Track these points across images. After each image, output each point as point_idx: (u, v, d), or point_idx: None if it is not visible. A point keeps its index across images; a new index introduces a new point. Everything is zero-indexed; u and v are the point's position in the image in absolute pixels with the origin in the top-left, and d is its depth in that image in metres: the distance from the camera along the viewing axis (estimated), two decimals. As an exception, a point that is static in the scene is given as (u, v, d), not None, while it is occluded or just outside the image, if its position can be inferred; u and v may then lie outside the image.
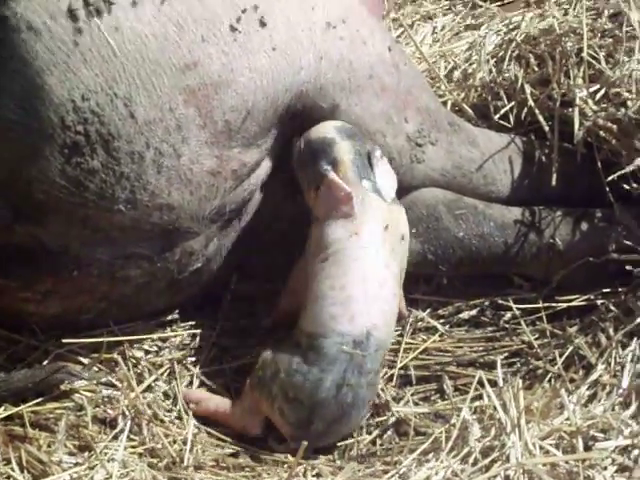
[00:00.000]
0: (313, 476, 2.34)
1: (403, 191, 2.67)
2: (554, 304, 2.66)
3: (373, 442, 2.47)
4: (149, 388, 2.55)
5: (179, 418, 2.50)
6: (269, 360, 2.44)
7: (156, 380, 2.56)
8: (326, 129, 2.53)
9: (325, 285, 2.43)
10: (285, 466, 2.36)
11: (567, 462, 2.17)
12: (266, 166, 2.57)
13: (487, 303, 2.75)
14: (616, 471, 2.18)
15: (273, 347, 2.47)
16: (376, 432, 2.48)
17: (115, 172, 2.34)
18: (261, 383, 2.43)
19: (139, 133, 2.33)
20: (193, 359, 2.63)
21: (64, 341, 2.52)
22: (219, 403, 2.50)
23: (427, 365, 2.64)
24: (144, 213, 2.40)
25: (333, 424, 2.38)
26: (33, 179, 2.30)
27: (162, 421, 2.45)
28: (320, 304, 2.42)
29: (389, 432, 2.49)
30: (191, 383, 2.59)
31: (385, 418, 2.51)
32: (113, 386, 2.52)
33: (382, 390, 2.55)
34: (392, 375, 2.60)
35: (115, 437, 2.38)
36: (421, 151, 2.66)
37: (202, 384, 2.59)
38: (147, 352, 2.62)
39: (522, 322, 2.68)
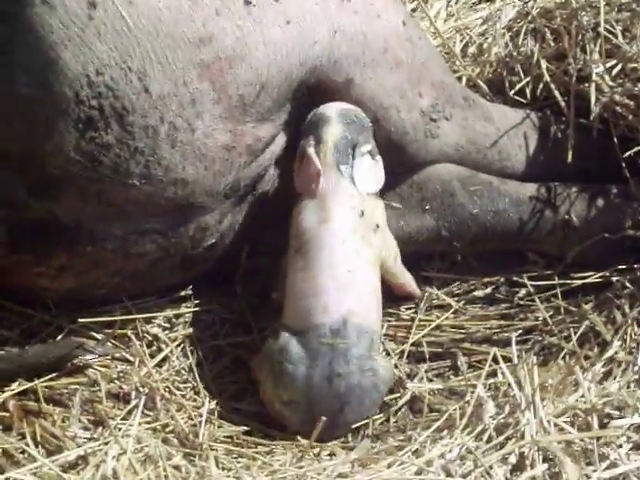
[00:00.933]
0: (327, 455, 2.34)
1: (417, 167, 2.67)
2: (569, 281, 2.65)
3: (387, 419, 2.47)
4: (163, 363, 2.55)
5: (194, 394, 2.50)
6: (259, 362, 2.45)
7: (170, 356, 2.56)
8: (330, 108, 2.54)
9: (297, 278, 2.44)
10: (299, 447, 2.35)
11: (582, 440, 2.17)
12: (280, 141, 2.56)
13: (502, 280, 2.74)
14: (631, 449, 2.17)
15: (262, 349, 2.47)
16: (390, 410, 2.47)
17: (129, 147, 2.34)
18: (260, 387, 2.44)
19: (153, 107, 2.32)
20: (207, 335, 2.63)
21: (79, 321, 2.51)
22: None
23: (441, 342, 2.63)
24: (158, 188, 2.40)
25: (338, 416, 2.36)
26: (48, 154, 2.30)
27: (176, 397, 2.44)
28: (295, 298, 2.44)
29: (403, 409, 2.48)
30: (205, 358, 2.58)
31: (399, 395, 2.50)
32: (127, 361, 2.52)
33: (396, 367, 2.55)
34: (403, 351, 2.60)
35: (129, 412, 2.38)
36: (435, 126, 2.64)
37: (215, 360, 2.59)
38: (161, 328, 2.62)
39: (537, 299, 2.66)
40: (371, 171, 2.54)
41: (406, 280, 2.63)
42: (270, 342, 2.44)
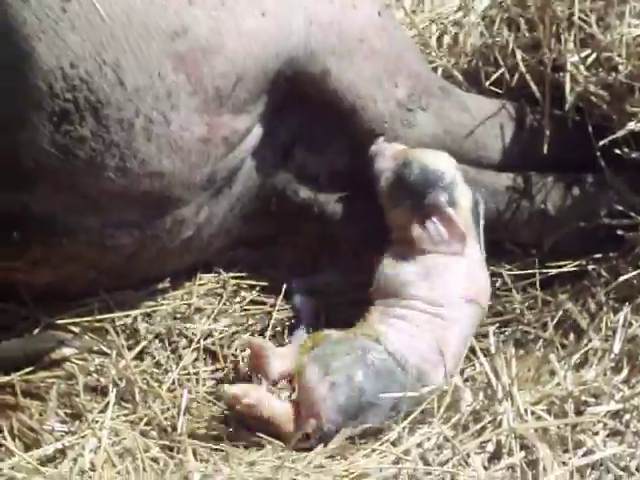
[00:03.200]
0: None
1: (394, 158, 2.67)
2: (545, 270, 2.66)
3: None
4: (141, 356, 2.55)
5: (172, 386, 2.50)
6: (337, 339, 2.38)
7: (148, 348, 2.56)
8: (445, 163, 2.51)
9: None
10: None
11: (558, 427, 2.18)
12: (257, 133, 2.56)
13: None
14: (607, 435, 2.19)
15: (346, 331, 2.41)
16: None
17: (104, 140, 2.33)
18: (318, 357, 2.34)
19: (128, 100, 2.32)
20: (185, 327, 2.63)
21: (57, 315, 2.51)
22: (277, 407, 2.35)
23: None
24: (134, 181, 2.39)
25: (364, 425, 2.29)
26: (22, 146, 2.29)
27: (154, 389, 2.44)
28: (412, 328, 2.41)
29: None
30: (184, 351, 2.58)
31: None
32: (104, 354, 2.51)
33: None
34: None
35: (107, 405, 2.37)
36: (412, 116, 2.64)
37: (194, 352, 2.59)
38: (139, 320, 2.61)
39: (513, 288, 2.67)
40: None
41: None
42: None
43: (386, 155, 2.55)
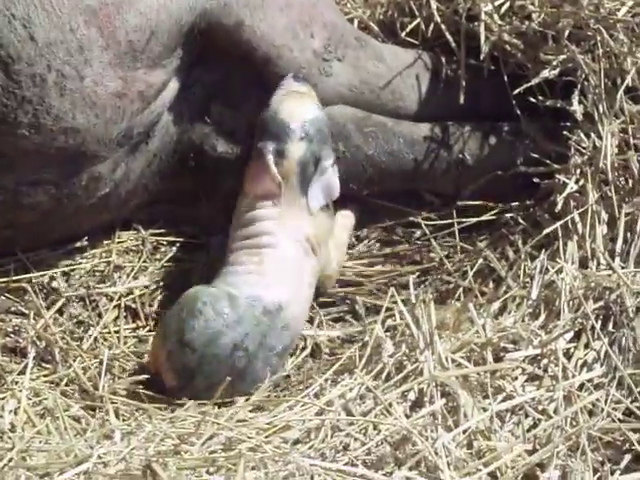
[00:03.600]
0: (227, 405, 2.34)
1: (312, 109, 2.66)
2: (464, 219, 2.68)
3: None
4: (60, 316, 2.52)
5: (93, 345, 2.48)
6: (185, 295, 2.41)
7: (67, 308, 2.53)
8: (294, 119, 2.51)
9: (242, 255, 2.46)
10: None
11: (478, 374, 2.20)
12: (173, 87, 2.54)
13: (397, 221, 2.76)
14: (526, 380, 2.21)
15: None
16: (290, 357, 2.48)
17: (17, 96, 2.30)
18: (164, 318, 2.42)
19: (40, 55, 2.29)
20: (105, 285, 2.60)
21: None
22: None
23: (339, 286, 2.65)
24: (48, 137, 2.36)
25: (215, 384, 2.28)
26: None
27: (74, 348, 2.42)
28: (236, 267, 2.45)
29: (302, 355, 2.49)
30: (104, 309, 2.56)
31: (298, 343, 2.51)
32: (22, 315, 2.48)
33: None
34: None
35: (26, 366, 2.34)
36: (328, 66, 2.64)
37: (114, 310, 2.57)
38: (57, 280, 2.58)
39: (432, 239, 2.69)
40: (329, 184, 2.53)
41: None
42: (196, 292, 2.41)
43: (278, 93, 2.55)
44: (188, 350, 2.33)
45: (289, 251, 2.46)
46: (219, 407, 2.28)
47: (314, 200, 2.50)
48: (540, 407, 2.14)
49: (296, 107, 2.53)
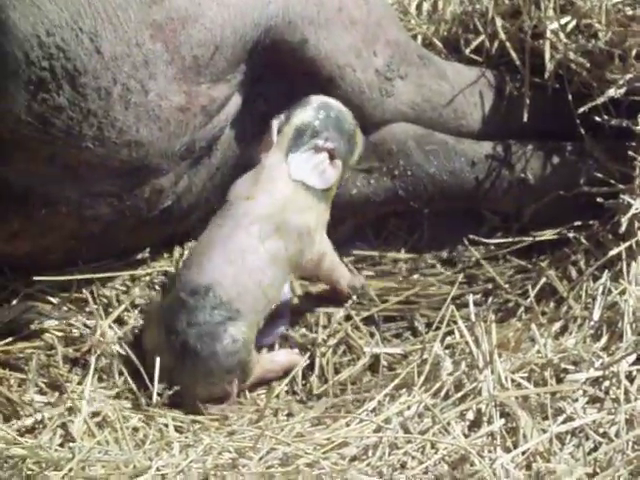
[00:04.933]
0: (285, 415, 2.34)
1: (374, 126, 2.66)
2: (526, 238, 2.66)
3: (344, 382, 2.47)
4: (120, 326, 2.53)
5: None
6: None
7: (127, 318, 2.55)
8: (316, 97, 2.54)
9: (202, 235, 2.48)
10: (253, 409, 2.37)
11: (538, 394, 2.18)
12: (236, 102, 2.55)
13: (458, 239, 2.74)
14: (587, 402, 2.19)
15: None
16: (347, 371, 2.48)
17: (82, 109, 2.32)
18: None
19: (105, 69, 2.31)
20: (164, 297, 2.62)
21: (35, 278, 2.49)
22: None
23: (399, 303, 2.64)
24: (112, 150, 2.38)
25: (172, 373, 2.34)
26: (-2, 116, 2.28)
27: (132, 360, 2.43)
28: (191, 251, 2.51)
29: (361, 369, 2.49)
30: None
31: (356, 356, 2.51)
32: (84, 325, 2.50)
33: (357, 329, 2.56)
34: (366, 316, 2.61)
35: (86, 376, 2.36)
36: (390, 85, 2.64)
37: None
38: (117, 290, 2.60)
39: (494, 257, 2.68)
40: (319, 167, 2.50)
41: (338, 281, 2.61)
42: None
43: None
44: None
45: (223, 231, 2.45)
46: (276, 418, 2.30)
47: (296, 170, 2.48)
48: (601, 430, 2.12)
49: (324, 96, 2.55)
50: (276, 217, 2.45)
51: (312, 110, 2.52)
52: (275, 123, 2.51)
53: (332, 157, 2.51)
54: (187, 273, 2.42)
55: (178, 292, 2.39)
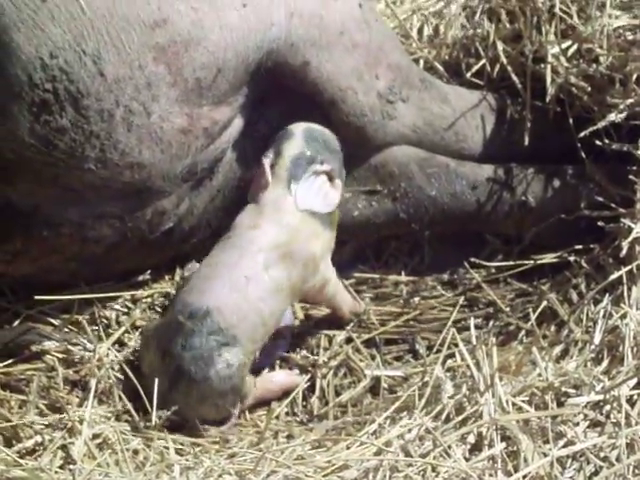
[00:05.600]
0: (285, 437, 2.34)
1: (375, 149, 2.67)
2: (526, 261, 2.67)
3: (345, 403, 2.48)
4: (121, 348, 2.53)
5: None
6: None
7: (127, 339, 2.55)
8: (297, 125, 2.55)
9: (205, 259, 2.48)
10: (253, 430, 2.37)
11: (539, 418, 2.18)
12: (238, 124, 2.55)
13: (458, 261, 2.74)
14: (588, 426, 2.19)
15: None
16: (348, 393, 2.48)
17: (85, 131, 2.32)
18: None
19: (108, 91, 2.31)
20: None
21: (36, 298, 2.49)
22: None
23: (400, 326, 2.64)
24: (115, 172, 2.38)
25: (166, 396, 2.34)
26: (1, 138, 2.28)
27: (133, 382, 2.43)
28: (193, 275, 2.49)
29: (361, 392, 2.49)
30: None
31: (357, 379, 2.51)
32: (84, 347, 2.50)
33: (357, 351, 2.56)
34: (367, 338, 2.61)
35: (86, 398, 2.36)
36: (392, 108, 2.64)
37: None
38: (118, 312, 2.60)
39: (494, 280, 2.68)
40: (321, 191, 2.51)
41: (340, 307, 2.61)
42: None
43: None
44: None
45: (228, 258, 2.44)
46: (276, 440, 2.30)
47: (302, 199, 2.49)
48: (602, 454, 2.11)
49: (301, 122, 2.56)
50: (283, 247, 2.45)
51: (300, 139, 2.53)
52: (267, 162, 2.52)
53: (331, 178, 2.52)
54: (187, 296, 2.42)
55: (176, 314, 2.39)
